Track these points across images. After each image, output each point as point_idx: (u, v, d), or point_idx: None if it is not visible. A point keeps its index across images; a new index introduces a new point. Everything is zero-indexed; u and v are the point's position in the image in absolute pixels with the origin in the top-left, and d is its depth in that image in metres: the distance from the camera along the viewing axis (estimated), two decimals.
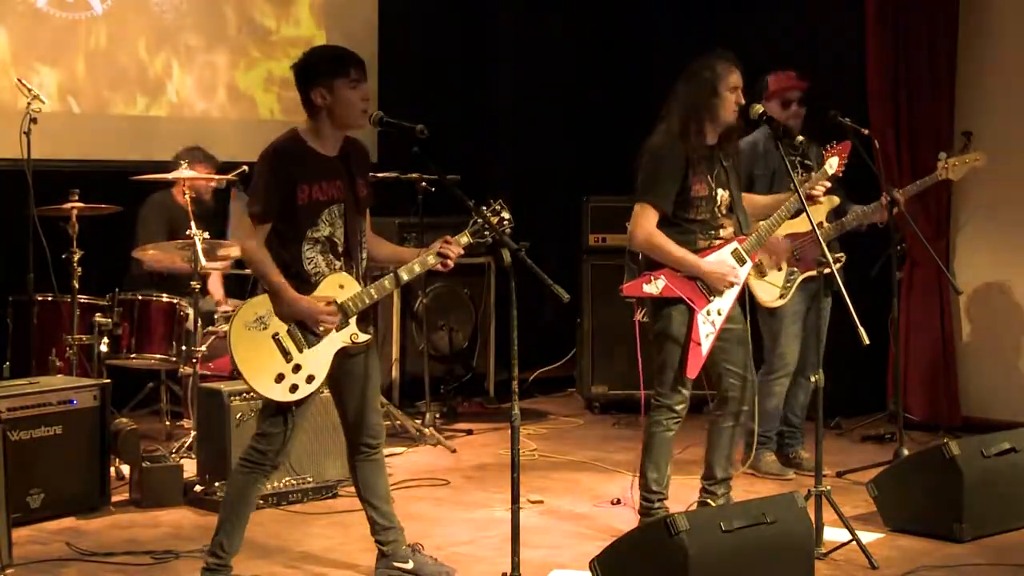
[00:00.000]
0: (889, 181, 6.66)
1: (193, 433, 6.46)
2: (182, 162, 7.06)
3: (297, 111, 4.81)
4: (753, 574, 4.58)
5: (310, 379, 4.63)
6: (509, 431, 4.42)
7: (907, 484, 5.56)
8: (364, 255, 4.79)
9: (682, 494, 5.66)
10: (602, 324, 8.13)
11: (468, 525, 5.73)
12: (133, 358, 6.83)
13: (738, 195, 5.47)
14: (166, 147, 7.40)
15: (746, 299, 5.58)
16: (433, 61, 9.14)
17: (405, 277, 4.77)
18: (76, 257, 6.54)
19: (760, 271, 6.23)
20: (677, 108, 5.32)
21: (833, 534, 5.20)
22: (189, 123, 7.95)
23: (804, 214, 5.39)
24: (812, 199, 5.63)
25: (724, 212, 5.39)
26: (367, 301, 4.71)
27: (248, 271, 6.82)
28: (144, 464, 6.03)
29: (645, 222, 5.25)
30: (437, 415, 7.64)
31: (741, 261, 5.42)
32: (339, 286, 4.68)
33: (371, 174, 4.94)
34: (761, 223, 5.56)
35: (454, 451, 7.15)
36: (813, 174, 5.77)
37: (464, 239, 4.76)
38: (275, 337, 4.59)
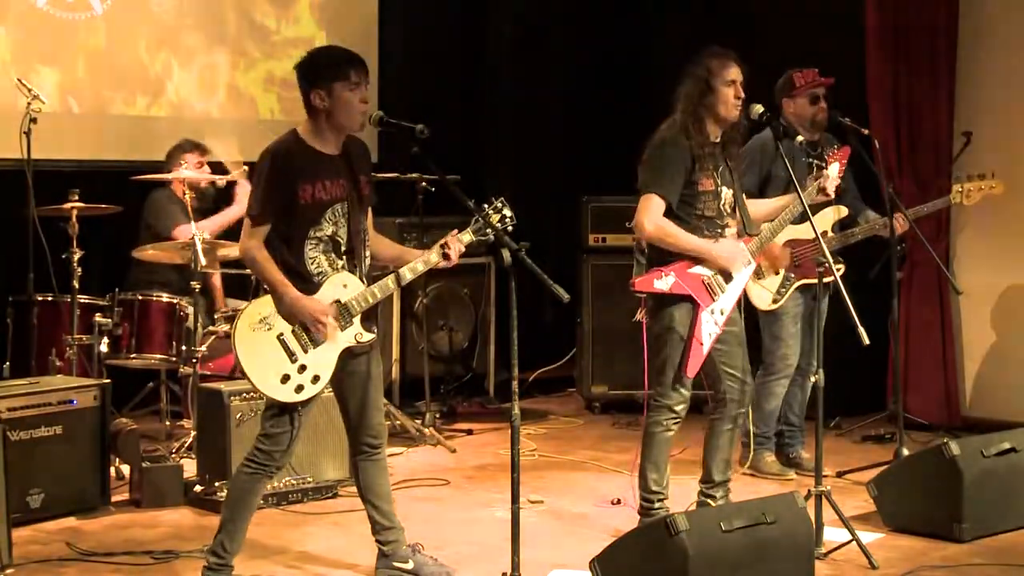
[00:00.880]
0: (889, 181, 6.66)
1: (193, 433, 6.46)
2: (180, 160, 7.07)
3: (297, 111, 4.81)
4: (753, 574, 4.58)
5: (315, 379, 4.64)
6: (509, 431, 4.43)
7: (907, 484, 5.56)
8: (367, 254, 4.80)
9: (682, 494, 5.66)
10: (602, 324, 8.14)
11: (468, 525, 5.73)
12: (133, 358, 6.83)
13: (740, 195, 5.47)
14: (166, 147, 7.39)
15: (743, 301, 5.59)
16: (433, 61, 9.13)
17: (408, 276, 4.78)
18: (76, 257, 6.54)
19: (756, 275, 6.24)
20: (679, 105, 5.34)
21: (833, 534, 5.20)
22: (189, 123, 7.94)
23: (807, 221, 5.38)
24: (825, 195, 5.63)
25: (728, 211, 5.39)
26: (371, 300, 4.71)
27: (248, 271, 6.86)
28: (144, 464, 6.03)
29: (652, 212, 5.23)
30: (437, 415, 7.64)
31: (746, 263, 5.42)
32: (343, 285, 4.68)
33: (372, 173, 4.94)
34: (765, 225, 5.57)
35: (454, 451, 7.15)
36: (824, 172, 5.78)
37: (467, 237, 4.77)
38: (280, 338, 4.59)
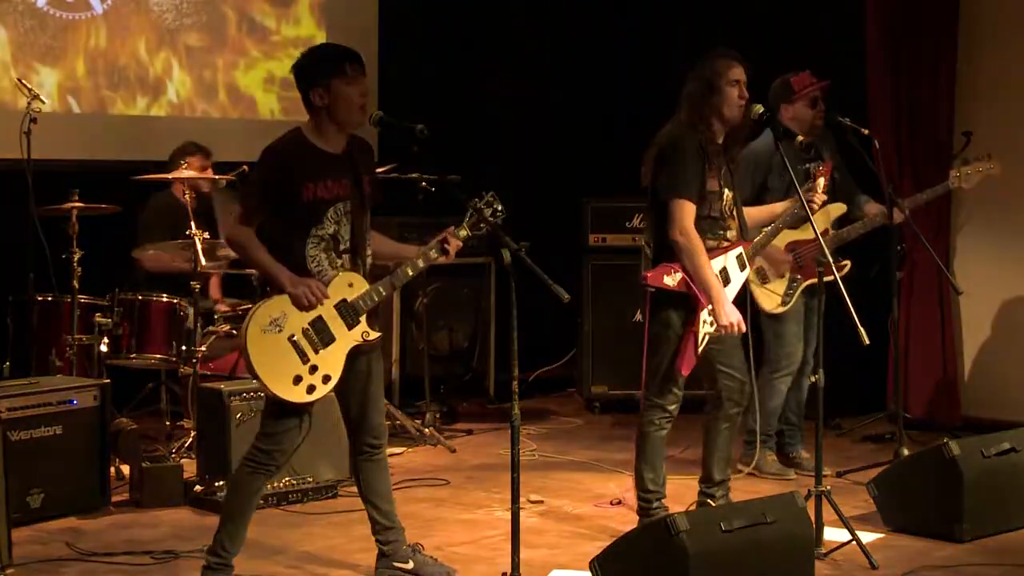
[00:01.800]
0: (889, 181, 6.66)
1: (193, 433, 6.46)
2: (182, 162, 7.07)
3: (297, 111, 4.82)
4: (753, 574, 4.58)
5: (326, 379, 4.65)
6: (509, 431, 4.43)
7: (907, 484, 5.56)
8: (369, 253, 4.80)
9: (682, 494, 5.66)
10: (602, 324, 8.14)
11: (468, 525, 5.73)
12: (133, 358, 6.83)
13: (739, 198, 5.48)
14: (166, 147, 7.39)
15: (747, 302, 5.58)
16: (433, 61, 9.13)
17: (410, 273, 4.80)
18: (76, 257, 6.54)
19: (763, 278, 6.25)
20: (684, 105, 5.34)
21: (833, 534, 5.20)
22: (189, 123, 7.95)
23: (807, 222, 5.38)
24: (811, 210, 5.63)
25: (729, 213, 5.39)
26: (376, 299, 4.72)
27: (247, 271, 6.86)
28: (144, 464, 6.04)
29: (687, 221, 5.19)
30: (437, 415, 7.63)
31: (743, 267, 5.42)
32: (348, 284, 4.70)
33: (375, 173, 4.95)
34: (764, 229, 5.57)
35: (454, 451, 7.15)
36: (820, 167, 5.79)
37: (463, 232, 4.79)
38: (291, 339, 4.60)
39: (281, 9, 8.54)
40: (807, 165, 6.27)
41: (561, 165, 9.34)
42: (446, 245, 4.77)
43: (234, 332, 6.73)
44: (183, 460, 6.31)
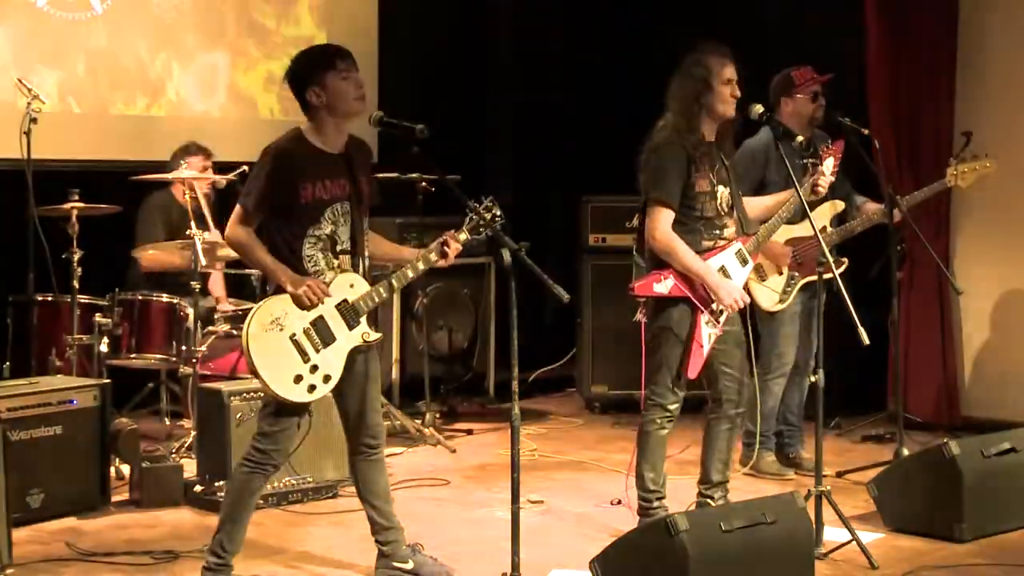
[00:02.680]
0: (889, 181, 6.66)
1: (193, 433, 6.46)
2: (182, 162, 7.06)
3: (297, 111, 4.83)
4: (753, 574, 4.58)
5: (327, 379, 4.65)
6: (509, 431, 4.43)
7: (907, 484, 5.56)
8: (367, 254, 4.81)
9: (682, 494, 5.66)
10: (602, 324, 8.13)
11: (468, 525, 5.73)
12: (133, 358, 6.83)
13: (737, 194, 5.46)
14: (166, 147, 7.40)
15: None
16: (433, 60, 9.13)
17: (410, 275, 4.80)
18: (76, 257, 6.54)
19: (760, 276, 6.24)
20: (673, 104, 5.31)
21: (833, 534, 5.20)
22: (189, 123, 7.94)
23: (806, 219, 5.38)
24: (816, 194, 5.63)
25: (726, 211, 5.38)
26: (377, 300, 4.73)
27: (248, 271, 6.87)
28: (144, 464, 6.03)
29: (663, 224, 5.22)
30: (437, 415, 7.64)
31: (743, 262, 5.41)
32: (349, 285, 4.70)
33: (373, 174, 4.95)
34: (762, 224, 5.56)
35: (454, 451, 7.15)
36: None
37: (463, 235, 4.78)
38: (292, 338, 4.60)
39: (281, 9, 8.54)
40: (804, 160, 6.26)
41: (561, 165, 9.35)
42: (446, 248, 4.77)
43: (234, 332, 6.73)
44: (183, 460, 6.31)
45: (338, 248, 4.70)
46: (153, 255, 6.94)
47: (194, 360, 6.64)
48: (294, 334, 4.61)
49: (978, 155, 6.48)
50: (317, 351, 4.63)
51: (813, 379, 5.24)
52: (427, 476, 6.52)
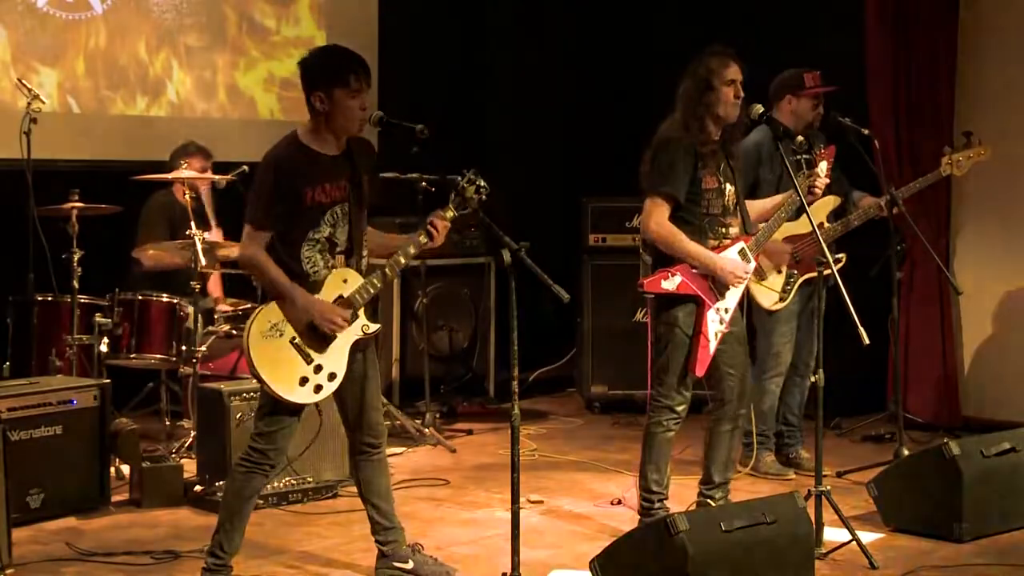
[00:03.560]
0: (889, 180, 6.66)
1: (193, 433, 6.46)
2: (182, 162, 7.06)
3: (297, 111, 4.83)
4: (753, 574, 4.58)
5: (332, 377, 4.67)
6: (509, 431, 4.43)
7: (907, 484, 5.56)
8: (366, 252, 4.81)
9: (682, 495, 5.66)
10: (602, 324, 8.13)
11: (468, 525, 5.73)
12: (133, 358, 6.83)
13: (742, 193, 5.48)
14: (166, 147, 7.39)
15: (744, 300, 5.58)
16: (433, 61, 9.13)
17: (402, 261, 4.79)
18: (76, 257, 6.54)
19: (759, 275, 6.23)
20: (679, 105, 5.34)
21: (833, 534, 5.20)
22: (189, 123, 7.94)
23: (804, 216, 5.39)
24: (813, 194, 5.64)
25: (732, 209, 5.39)
26: (371, 291, 4.73)
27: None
28: (144, 464, 6.03)
29: (659, 215, 5.24)
30: (437, 415, 7.63)
31: (747, 260, 5.42)
32: (343, 281, 4.71)
33: (375, 173, 4.95)
34: (762, 224, 5.57)
35: (454, 451, 7.15)
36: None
37: (449, 213, 4.78)
38: (293, 342, 4.61)
39: (281, 9, 8.54)
40: (797, 157, 6.26)
41: (561, 165, 9.35)
42: (432, 228, 4.76)
43: (234, 332, 6.73)
44: (183, 460, 6.31)
45: (336, 249, 4.71)
46: (154, 255, 6.94)
47: (194, 360, 6.64)
48: (294, 337, 4.61)
49: (972, 143, 6.47)
50: (319, 351, 4.64)
51: (813, 379, 5.24)
52: (427, 476, 6.52)
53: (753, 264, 5.46)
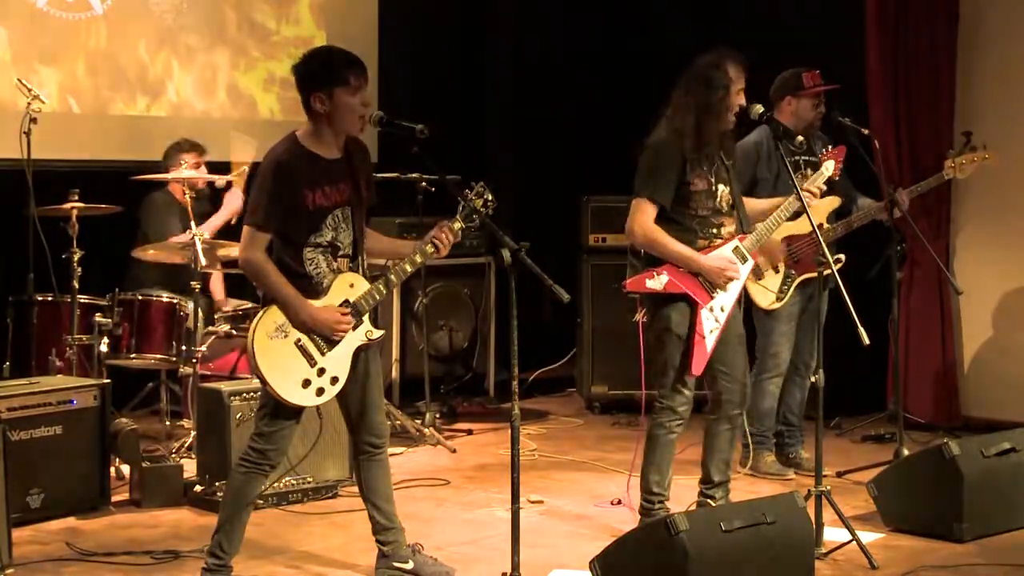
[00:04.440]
0: (889, 181, 6.66)
1: (193, 433, 6.46)
2: (182, 162, 7.06)
3: (297, 111, 4.82)
4: (753, 574, 4.58)
5: (334, 381, 4.67)
6: (509, 431, 4.43)
7: (907, 484, 5.56)
8: (366, 255, 4.81)
9: (682, 494, 5.66)
10: (602, 324, 8.13)
11: (468, 525, 5.73)
12: (133, 358, 6.83)
13: (738, 193, 5.47)
14: (166, 147, 7.39)
15: (742, 299, 5.58)
16: (433, 61, 9.13)
17: (409, 269, 4.79)
18: (76, 257, 6.54)
19: (756, 274, 6.23)
20: (685, 106, 5.27)
21: (833, 534, 5.20)
22: (189, 123, 7.94)
23: (804, 216, 5.39)
24: (813, 195, 5.64)
25: (726, 209, 5.38)
26: (377, 297, 4.73)
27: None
28: (144, 464, 6.03)
29: (643, 217, 5.24)
30: (437, 415, 7.63)
31: (743, 259, 5.41)
32: (349, 285, 4.71)
33: (372, 174, 4.95)
34: (760, 223, 5.56)
35: (454, 451, 7.15)
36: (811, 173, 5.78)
37: (456, 225, 4.78)
38: (298, 344, 4.61)
39: (281, 9, 8.54)
40: (796, 157, 6.27)
41: (561, 165, 9.35)
42: (438, 240, 4.76)
43: (234, 332, 6.73)
44: (183, 460, 6.31)
45: (339, 252, 4.70)
46: (155, 255, 6.94)
47: (194, 360, 6.64)
48: (299, 340, 4.61)
49: (976, 147, 6.47)
50: (323, 354, 4.64)
51: (813, 379, 5.24)
52: (427, 476, 6.52)
53: (750, 262, 5.45)
